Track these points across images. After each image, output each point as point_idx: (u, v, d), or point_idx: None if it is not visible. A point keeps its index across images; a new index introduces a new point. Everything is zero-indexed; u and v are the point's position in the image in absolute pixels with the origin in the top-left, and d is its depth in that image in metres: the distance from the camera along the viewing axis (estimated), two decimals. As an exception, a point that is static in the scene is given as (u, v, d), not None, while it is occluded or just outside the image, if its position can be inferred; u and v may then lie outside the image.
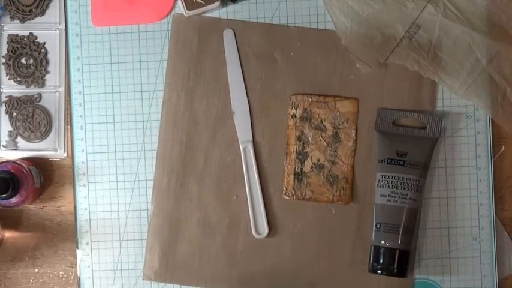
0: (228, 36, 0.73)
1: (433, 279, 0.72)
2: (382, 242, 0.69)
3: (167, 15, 0.74)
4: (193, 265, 0.72)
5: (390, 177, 0.68)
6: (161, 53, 0.74)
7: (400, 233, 0.68)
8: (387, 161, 0.69)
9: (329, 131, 0.72)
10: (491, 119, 0.72)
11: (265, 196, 0.72)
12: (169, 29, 0.74)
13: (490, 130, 0.72)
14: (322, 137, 0.72)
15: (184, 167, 0.73)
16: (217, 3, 0.72)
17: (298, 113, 0.72)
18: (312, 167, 0.72)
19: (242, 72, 0.73)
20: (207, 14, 0.74)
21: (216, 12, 0.74)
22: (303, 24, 0.73)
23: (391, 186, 0.68)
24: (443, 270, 0.72)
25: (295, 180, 0.72)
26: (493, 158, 0.73)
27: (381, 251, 0.69)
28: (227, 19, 0.74)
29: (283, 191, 0.72)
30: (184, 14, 0.73)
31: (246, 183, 0.72)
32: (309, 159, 0.72)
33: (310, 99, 0.72)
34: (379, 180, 0.69)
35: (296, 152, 0.72)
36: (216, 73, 0.73)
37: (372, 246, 0.70)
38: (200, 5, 0.72)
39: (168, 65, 0.74)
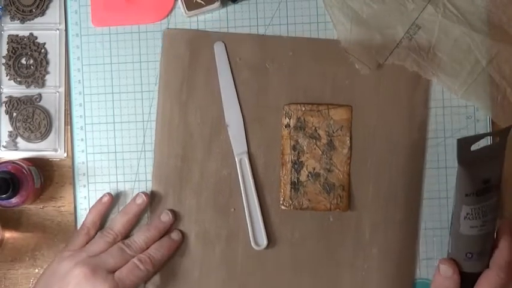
0: (219, 48, 0.73)
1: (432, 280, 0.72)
2: (477, 269, 0.62)
3: (167, 16, 0.74)
4: (194, 278, 0.72)
5: (480, 208, 0.60)
6: (161, 53, 0.74)
7: (488, 254, 0.62)
8: (476, 193, 0.59)
9: (323, 139, 0.72)
10: (492, 120, 0.72)
11: (263, 207, 0.72)
12: (168, 29, 0.74)
13: (490, 130, 0.72)
14: (317, 145, 0.72)
15: (181, 181, 0.73)
16: (217, 4, 0.72)
17: (292, 122, 0.72)
18: (308, 176, 0.72)
19: (234, 84, 0.73)
20: (207, 15, 0.74)
21: (216, 12, 0.74)
22: (303, 24, 0.73)
23: (481, 216, 0.60)
24: (443, 270, 0.72)
25: (292, 190, 0.72)
26: (493, 158, 0.72)
27: (473, 277, 0.62)
28: (217, 32, 0.73)
29: (281, 201, 0.72)
30: (185, 14, 0.73)
31: (243, 195, 0.72)
32: (304, 168, 0.72)
33: (303, 108, 0.72)
34: (467, 213, 0.60)
35: (291, 162, 0.72)
36: (208, 86, 0.73)
37: (463, 273, 0.62)
38: (200, 5, 0.72)
39: (160, 79, 0.74)
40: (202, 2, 0.72)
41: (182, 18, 0.74)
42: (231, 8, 0.74)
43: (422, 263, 0.72)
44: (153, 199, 0.73)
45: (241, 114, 0.73)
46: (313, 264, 0.72)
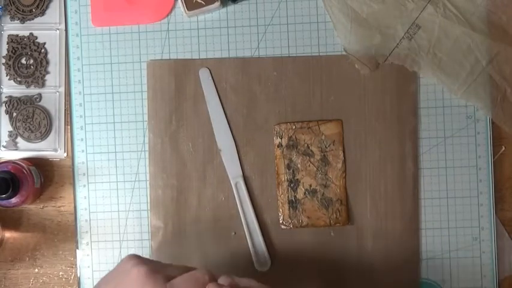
0: (204, 75, 0.73)
1: (433, 280, 0.72)
2: None
3: (167, 16, 0.74)
4: None
5: None
6: (161, 53, 0.74)
7: None
8: None
9: (317, 155, 0.72)
10: (492, 120, 0.72)
11: (263, 228, 0.72)
12: (168, 29, 0.74)
13: (490, 130, 0.72)
14: (311, 162, 0.72)
15: (179, 210, 0.73)
16: (217, 4, 0.72)
17: (284, 141, 0.72)
18: (305, 193, 0.72)
19: (223, 108, 0.73)
20: (207, 15, 0.74)
21: (216, 12, 0.74)
22: (303, 24, 0.73)
23: None
24: (444, 270, 0.72)
25: (290, 209, 0.72)
26: (493, 158, 0.73)
27: None
28: (200, 58, 0.74)
29: (280, 221, 0.72)
30: (185, 14, 0.73)
31: (242, 218, 0.72)
32: (301, 186, 0.72)
33: (294, 127, 0.72)
34: None
35: (287, 181, 0.72)
36: (197, 113, 0.73)
37: None
38: (200, 5, 0.72)
39: (148, 111, 0.74)
40: (202, 2, 0.72)
41: (182, 18, 0.74)
42: (231, 8, 0.74)
43: (423, 263, 0.72)
44: (153, 232, 0.73)
45: (232, 138, 0.73)
46: (319, 280, 0.72)
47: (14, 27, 0.75)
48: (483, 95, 0.71)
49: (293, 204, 0.72)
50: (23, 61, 0.75)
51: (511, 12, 0.70)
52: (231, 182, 0.73)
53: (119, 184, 0.74)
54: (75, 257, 0.74)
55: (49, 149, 0.75)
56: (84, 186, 0.74)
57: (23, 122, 0.75)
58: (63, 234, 0.74)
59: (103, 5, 0.74)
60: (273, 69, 0.73)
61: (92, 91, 0.74)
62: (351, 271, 0.72)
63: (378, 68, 0.72)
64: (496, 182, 0.73)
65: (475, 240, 0.72)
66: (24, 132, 0.75)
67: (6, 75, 0.75)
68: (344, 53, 0.73)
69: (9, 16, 0.75)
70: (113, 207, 0.74)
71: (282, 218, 0.72)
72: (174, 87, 0.73)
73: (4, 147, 0.75)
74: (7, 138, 0.75)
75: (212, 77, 0.73)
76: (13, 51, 0.75)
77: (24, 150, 0.75)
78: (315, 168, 0.72)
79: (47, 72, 0.75)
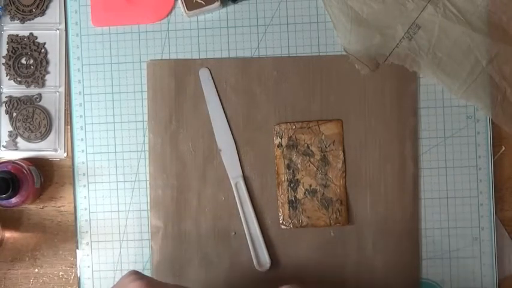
0: (204, 75, 0.73)
1: (433, 280, 0.72)
2: None
3: (167, 16, 0.74)
4: None
5: None
6: (161, 53, 0.74)
7: None
8: None
9: (317, 155, 0.72)
10: (492, 120, 0.72)
11: (263, 228, 0.72)
12: (168, 29, 0.74)
13: (490, 130, 0.72)
14: (311, 162, 0.72)
15: (179, 210, 0.73)
16: (217, 3, 0.72)
17: (284, 141, 0.72)
18: (305, 193, 0.72)
19: (223, 108, 0.73)
20: (207, 15, 0.74)
21: (216, 12, 0.74)
22: (303, 24, 0.73)
23: None
24: (444, 270, 0.72)
25: (290, 209, 0.72)
26: (493, 158, 0.73)
27: None
28: (200, 58, 0.74)
29: (280, 221, 0.72)
30: (185, 14, 0.73)
31: (242, 218, 0.72)
32: (301, 186, 0.72)
33: (293, 127, 0.72)
34: None
35: (287, 181, 0.72)
36: (197, 113, 0.73)
37: None
38: (200, 5, 0.72)
39: (148, 111, 0.74)
40: (202, 2, 0.72)
41: (182, 18, 0.74)
42: (231, 8, 0.74)
43: (423, 263, 0.72)
44: (153, 232, 0.73)
45: (232, 138, 0.73)
46: (318, 280, 0.72)
47: (14, 27, 0.75)
48: (483, 95, 0.71)
49: (293, 204, 0.72)
50: (23, 61, 0.75)
51: (511, 12, 0.71)
52: (231, 182, 0.73)
53: (119, 184, 0.74)
54: (75, 257, 0.74)
55: (49, 149, 0.75)
56: (84, 186, 0.74)
57: (23, 122, 0.75)
58: (63, 234, 0.74)
59: (103, 5, 0.74)
60: (273, 69, 0.73)
61: (92, 91, 0.74)
62: (351, 271, 0.72)
63: (377, 68, 0.72)
64: (496, 182, 0.73)
65: (475, 240, 0.72)
66: (24, 132, 0.75)
67: (6, 75, 0.75)
68: (344, 53, 0.73)
69: (9, 16, 0.75)
70: (113, 207, 0.74)
71: (282, 218, 0.72)
72: (174, 87, 0.73)
73: (4, 147, 0.75)
74: (7, 138, 0.75)
75: (212, 77, 0.73)
76: (13, 51, 0.75)
77: (24, 150, 0.75)
78: (315, 168, 0.72)
79: (47, 72, 0.75)
